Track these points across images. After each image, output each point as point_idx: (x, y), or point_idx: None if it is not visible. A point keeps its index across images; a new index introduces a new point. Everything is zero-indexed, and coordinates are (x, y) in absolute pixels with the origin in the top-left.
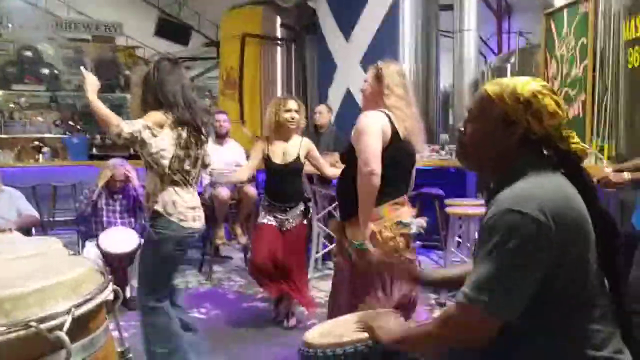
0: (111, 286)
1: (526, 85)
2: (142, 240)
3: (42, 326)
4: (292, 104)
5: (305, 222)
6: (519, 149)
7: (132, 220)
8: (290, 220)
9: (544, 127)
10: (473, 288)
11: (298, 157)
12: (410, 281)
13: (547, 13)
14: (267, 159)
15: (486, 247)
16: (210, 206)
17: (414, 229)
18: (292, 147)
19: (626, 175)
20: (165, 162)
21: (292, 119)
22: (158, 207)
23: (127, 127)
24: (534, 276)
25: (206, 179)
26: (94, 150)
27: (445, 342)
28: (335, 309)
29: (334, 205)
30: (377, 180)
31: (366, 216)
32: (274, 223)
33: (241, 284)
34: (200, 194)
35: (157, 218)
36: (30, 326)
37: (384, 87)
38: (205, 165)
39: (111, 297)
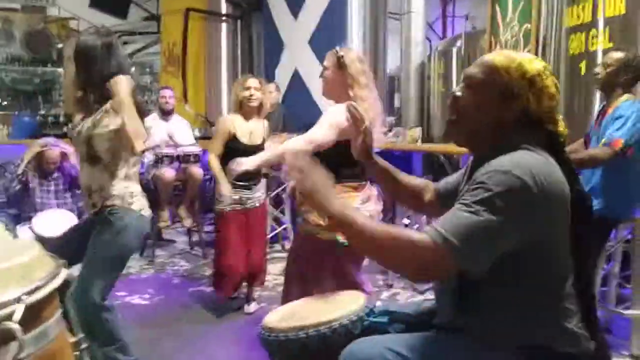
0: (64, 271)
1: (532, 62)
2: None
3: None
4: (252, 82)
5: (266, 198)
6: (513, 125)
7: (69, 200)
8: (255, 198)
9: (541, 107)
10: (450, 230)
11: (264, 141)
12: (364, 155)
13: None
14: (233, 138)
15: (474, 197)
16: (152, 188)
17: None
18: (258, 129)
19: None
20: None
21: (251, 96)
22: (113, 201)
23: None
24: (509, 240)
25: (149, 159)
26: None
27: (394, 259)
28: (290, 290)
29: (282, 187)
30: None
31: (266, 160)
32: (238, 207)
33: (186, 267)
34: (141, 174)
35: (114, 208)
36: None
37: (347, 77)
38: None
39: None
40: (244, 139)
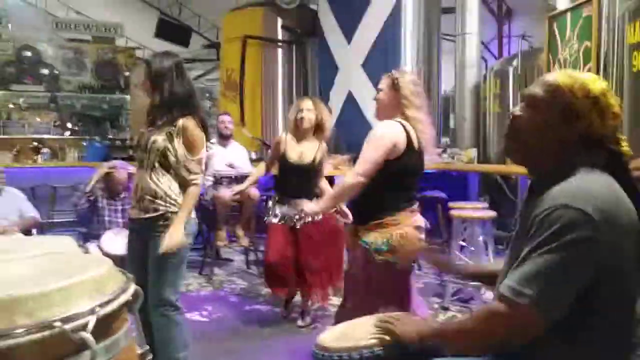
0: (133, 286)
1: (595, 81)
2: None
3: (67, 326)
4: (306, 104)
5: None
6: (577, 145)
7: None
8: (303, 215)
9: (605, 127)
10: (520, 281)
11: (314, 160)
12: (442, 269)
13: (550, 16)
14: (282, 156)
15: (535, 240)
16: (211, 208)
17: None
18: (310, 149)
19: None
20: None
21: (302, 118)
22: (178, 207)
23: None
24: (583, 276)
25: (208, 181)
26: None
27: (486, 338)
28: (346, 312)
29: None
30: (359, 189)
31: (328, 207)
32: (282, 221)
33: (243, 286)
34: (201, 195)
35: (176, 213)
36: (55, 326)
37: (401, 98)
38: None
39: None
40: (293, 157)
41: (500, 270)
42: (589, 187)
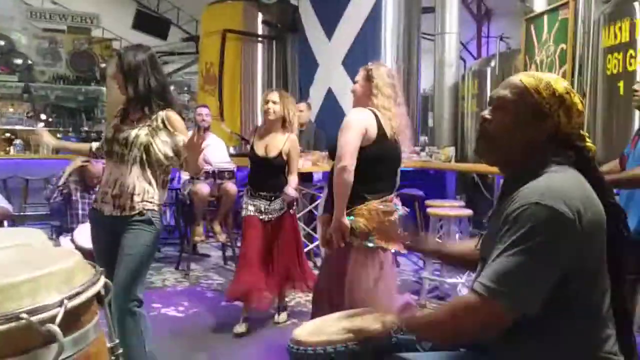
0: (103, 279)
1: (559, 81)
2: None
3: (34, 318)
4: (272, 96)
5: (292, 212)
6: (546, 144)
7: None
8: (275, 210)
9: (571, 125)
10: (494, 280)
11: (280, 154)
12: (404, 246)
13: (527, 18)
14: (250, 149)
15: (509, 238)
16: (188, 202)
17: (400, 211)
18: (277, 142)
19: None
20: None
21: (268, 109)
22: (154, 205)
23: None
24: (556, 272)
25: (186, 175)
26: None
27: (456, 330)
28: (320, 305)
29: (314, 204)
30: (349, 176)
31: (340, 210)
32: (256, 214)
33: (220, 282)
34: (178, 189)
35: (154, 212)
36: (21, 318)
37: (372, 87)
38: None
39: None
40: (260, 151)
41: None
42: (559, 184)
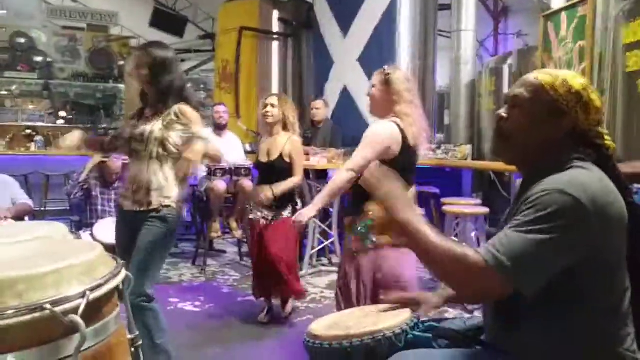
0: (124, 271)
1: (576, 78)
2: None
3: (57, 309)
4: (270, 99)
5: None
6: (564, 141)
7: None
8: (274, 217)
9: (588, 122)
10: (504, 253)
11: (281, 156)
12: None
13: (545, 15)
14: (256, 158)
15: (526, 217)
16: (205, 199)
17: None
18: (278, 145)
19: None
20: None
21: (266, 113)
22: (170, 202)
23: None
24: (565, 261)
25: (202, 172)
26: None
27: (446, 276)
28: (342, 302)
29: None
30: (349, 183)
31: (323, 202)
32: (260, 219)
33: (236, 278)
34: (195, 186)
35: (170, 208)
36: (45, 308)
37: (393, 93)
38: None
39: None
40: (262, 155)
41: None
42: (582, 178)
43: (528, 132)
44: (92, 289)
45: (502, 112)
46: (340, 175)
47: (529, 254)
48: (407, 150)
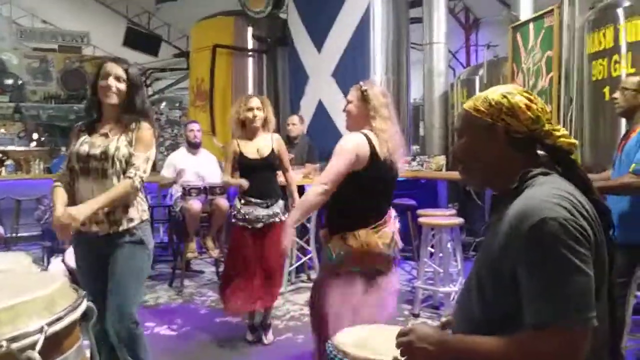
0: (85, 303)
1: (495, 90)
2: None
3: (14, 346)
4: (254, 102)
5: (285, 218)
6: (510, 150)
7: None
8: (269, 217)
9: (522, 124)
10: (547, 307)
11: (273, 151)
12: None
13: (513, 26)
14: (240, 156)
15: (534, 264)
16: (181, 219)
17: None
18: (265, 143)
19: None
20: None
21: (254, 117)
22: (145, 216)
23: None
24: (591, 274)
25: (177, 192)
26: None
27: None
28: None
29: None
30: (323, 199)
31: (298, 218)
32: (246, 225)
33: (213, 298)
34: (170, 206)
35: (141, 225)
36: (1, 346)
37: (370, 109)
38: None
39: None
40: (251, 155)
41: (467, 280)
42: (552, 193)
43: (478, 157)
44: (51, 324)
45: (453, 149)
46: (314, 190)
47: (567, 289)
48: (378, 164)
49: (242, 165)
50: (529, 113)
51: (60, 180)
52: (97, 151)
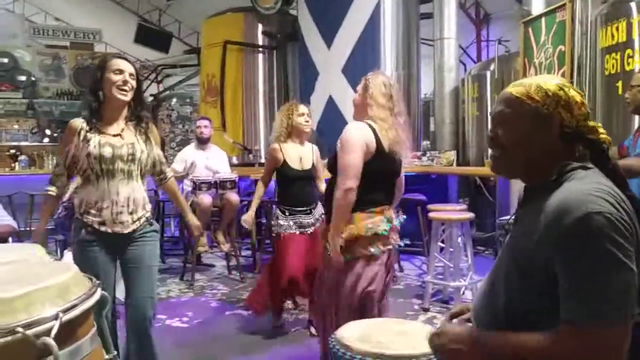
0: (99, 291)
1: (549, 80)
2: None
3: (29, 332)
4: (304, 108)
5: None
6: (559, 143)
7: None
8: (314, 222)
9: (575, 119)
10: (588, 304)
11: (313, 165)
12: None
13: (525, 21)
14: (283, 164)
15: (577, 258)
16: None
17: (381, 227)
18: (307, 154)
19: None
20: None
21: (307, 122)
22: (149, 212)
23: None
24: (635, 270)
25: (188, 186)
26: None
27: None
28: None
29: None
30: (352, 197)
31: (337, 229)
32: (296, 231)
33: (224, 292)
34: None
35: (151, 218)
36: (17, 332)
37: (368, 97)
38: None
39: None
40: (294, 164)
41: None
42: (595, 187)
43: (522, 146)
44: (65, 311)
45: (491, 132)
46: (345, 198)
47: (610, 287)
48: (382, 154)
49: (283, 174)
50: (583, 109)
51: (55, 184)
52: (123, 153)
